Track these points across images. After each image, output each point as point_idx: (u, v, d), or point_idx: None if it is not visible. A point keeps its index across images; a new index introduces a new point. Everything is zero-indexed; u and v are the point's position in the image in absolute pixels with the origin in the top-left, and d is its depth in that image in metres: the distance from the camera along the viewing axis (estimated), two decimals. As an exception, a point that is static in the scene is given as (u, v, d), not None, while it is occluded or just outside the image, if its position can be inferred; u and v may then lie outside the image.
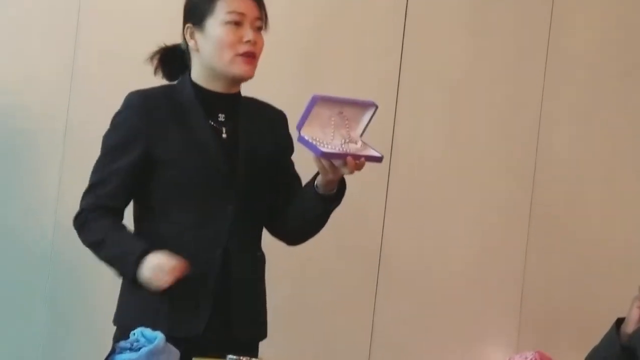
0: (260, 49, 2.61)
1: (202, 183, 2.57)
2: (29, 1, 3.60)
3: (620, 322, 2.63)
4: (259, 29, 2.61)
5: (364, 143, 2.57)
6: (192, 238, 2.57)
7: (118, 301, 2.68)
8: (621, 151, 4.13)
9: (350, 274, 3.88)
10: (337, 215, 3.58)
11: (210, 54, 2.59)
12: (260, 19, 2.60)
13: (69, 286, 3.61)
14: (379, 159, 2.57)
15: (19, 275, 3.57)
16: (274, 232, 2.75)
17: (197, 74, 2.64)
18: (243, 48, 2.56)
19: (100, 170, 2.60)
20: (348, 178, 3.69)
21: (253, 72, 2.62)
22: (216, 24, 2.57)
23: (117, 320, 2.66)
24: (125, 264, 2.51)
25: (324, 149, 2.47)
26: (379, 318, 3.91)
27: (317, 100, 2.47)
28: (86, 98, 3.61)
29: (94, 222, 2.56)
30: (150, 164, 2.57)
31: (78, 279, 3.60)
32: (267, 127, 2.69)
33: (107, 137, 2.62)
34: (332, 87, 3.68)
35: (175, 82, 2.69)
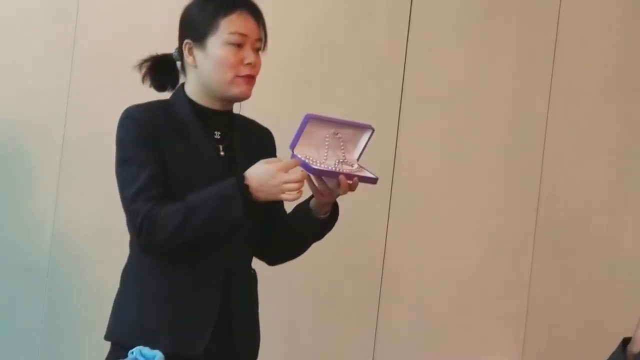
0: (258, 70, 2.58)
1: None
2: (26, 14, 3.59)
3: (626, 342, 2.59)
4: (258, 49, 2.58)
5: (360, 166, 2.53)
6: (195, 256, 2.51)
7: (111, 316, 2.58)
8: (628, 165, 4.09)
9: (353, 287, 3.85)
10: (339, 229, 3.57)
11: (210, 73, 2.56)
12: (260, 39, 2.58)
13: (66, 300, 3.58)
14: (373, 180, 2.52)
15: (15, 288, 3.54)
16: (256, 251, 2.69)
17: (193, 90, 2.60)
18: (244, 70, 2.54)
19: (135, 178, 2.48)
20: (352, 197, 3.76)
21: (250, 93, 2.58)
22: (218, 44, 2.53)
23: (111, 336, 2.57)
24: (231, 204, 2.40)
25: (316, 167, 2.43)
26: (382, 332, 3.87)
27: (310, 119, 2.44)
28: (83, 112, 3.59)
29: (163, 212, 2.43)
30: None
31: (75, 293, 3.57)
32: (258, 144, 2.66)
33: (122, 151, 2.53)
34: (334, 103, 3.78)
35: (168, 97, 2.64)
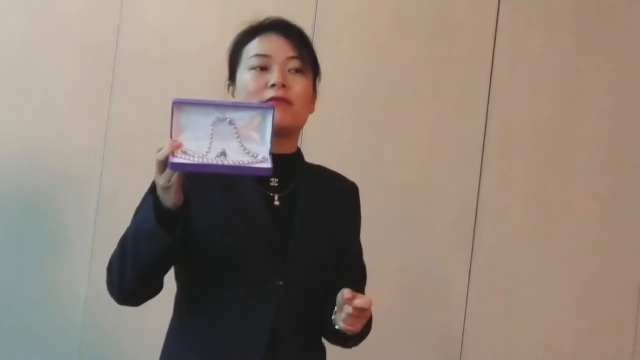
0: (299, 94, 2.36)
1: (249, 254, 2.30)
2: (61, 56, 3.67)
3: None
4: (296, 70, 2.38)
5: (264, 157, 2.16)
6: (238, 315, 2.33)
7: None
8: None
9: (430, 356, 3.71)
10: (418, 298, 3.49)
11: None
12: (296, 58, 2.38)
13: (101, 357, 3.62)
14: (264, 171, 2.11)
15: (50, 344, 3.60)
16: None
17: None
18: (268, 94, 2.33)
19: (129, 227, 2.36)
20: (429, 252, 3.75)
21: (287, 119, 2.34)
22: (243, 72, 2.39)
23: None
24: (147, 217, 2.19)
25: (177, 160, 2.05)
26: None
27: (174, 105, 2.09)
28: (120, 165, 3.66)
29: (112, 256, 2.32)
30: (189, 235, 2.28)
31: (111, 345, 3.61)
32: (332, 197, 2.44)
33: (142, 201, 2.36)
34: (409, 144, 3.76)
35: None
